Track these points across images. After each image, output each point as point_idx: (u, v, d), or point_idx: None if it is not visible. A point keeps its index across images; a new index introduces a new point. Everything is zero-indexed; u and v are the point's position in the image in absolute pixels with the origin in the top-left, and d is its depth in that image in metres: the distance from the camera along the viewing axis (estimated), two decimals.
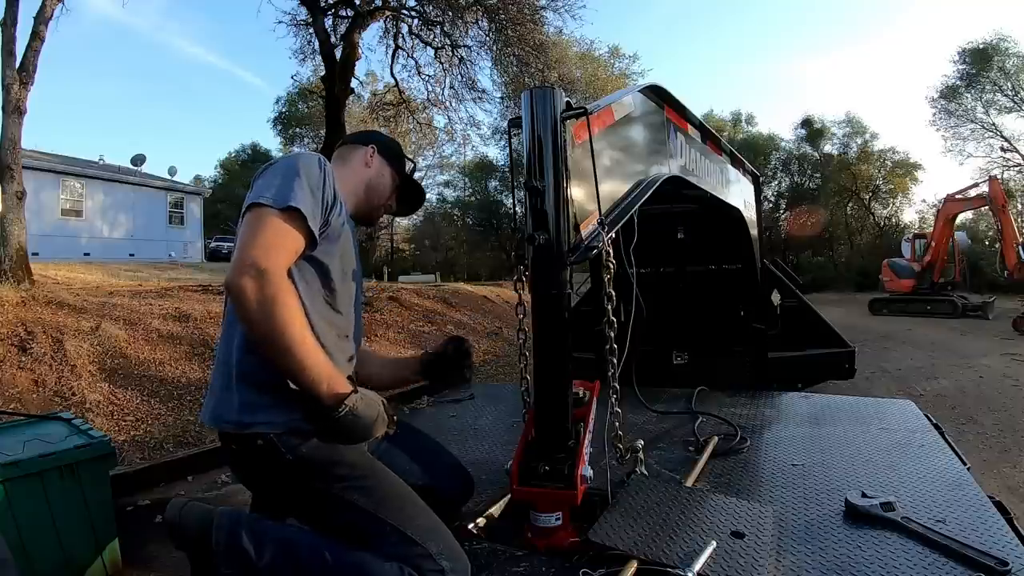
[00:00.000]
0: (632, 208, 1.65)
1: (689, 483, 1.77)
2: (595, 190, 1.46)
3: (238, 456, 1.27)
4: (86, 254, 16.60)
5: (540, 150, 1.39)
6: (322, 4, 10.47)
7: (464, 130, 15.27)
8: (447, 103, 12.87)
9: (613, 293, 1.50)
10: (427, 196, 1.89)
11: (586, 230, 1.46)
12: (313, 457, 1.19)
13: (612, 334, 1.53)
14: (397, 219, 36.05)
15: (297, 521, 1.28)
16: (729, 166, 3.08)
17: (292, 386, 1.14)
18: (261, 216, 1.15)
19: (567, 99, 1.44)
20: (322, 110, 11.90)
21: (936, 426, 2.27)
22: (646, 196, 1.75)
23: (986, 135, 26.11)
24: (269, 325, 1.07)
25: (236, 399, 1.21)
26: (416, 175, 1.81)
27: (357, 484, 1.21)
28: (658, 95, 2.06)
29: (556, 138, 1.39)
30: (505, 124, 2.51)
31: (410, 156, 1.65)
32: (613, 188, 1.66)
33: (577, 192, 1.45)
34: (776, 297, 3.79)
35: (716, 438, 2.19)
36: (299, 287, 1.22)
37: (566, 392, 1.47)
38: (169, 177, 21.73)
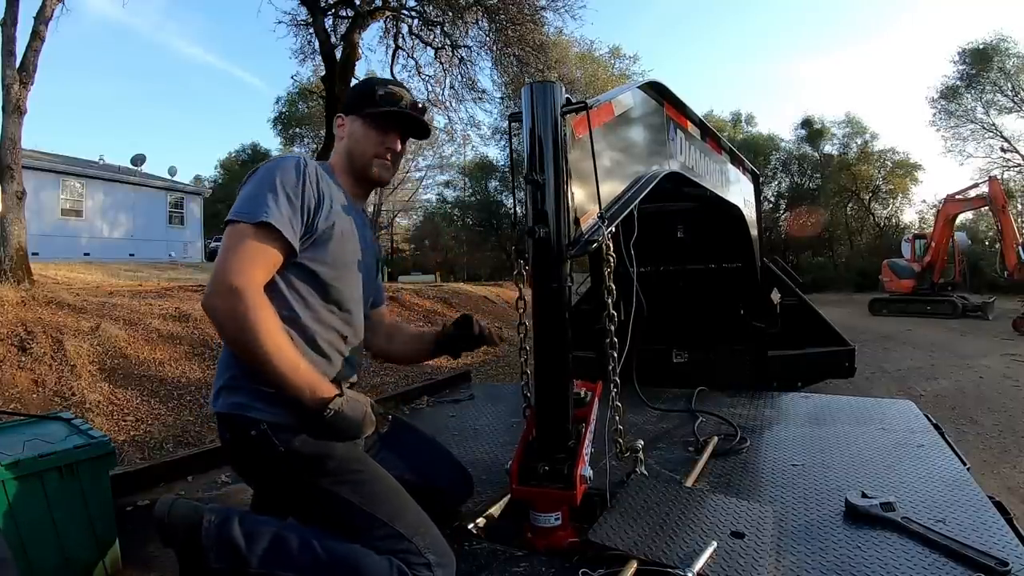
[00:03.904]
0: (632, 203, 1.65)
1: (689, 483, 1.76)
2: (595, 184, 1.46)
3: (232, 446, 1.28)
4: (86, 254, 16.60)
5: (540, 144, 1.39)
6: (322, 4, 10.48)
7: (464, 130, 15.35)
8: (447, 103, 12.92)
9: (613, 287, 1.50)
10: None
11: (586, 224, 1.46)
12: (303, 451, 1.21)
13: (612, 328, 1.53)
14: (397, 219, 36.37)
15: (290, 514, 1.28)
16: (729, 164, 3.09)
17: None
18: (235, 233, 1.18)
19: (567, 95, 1.44)
20: (322, 110, 11.92)
21: (936, 426, 2.26)
22: (646, 191, 1.75)
23: (986, 135, 26.16)
24: (244, 341, 1.12)
25: (236, 386, 1.26)
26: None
27: (346, 478, 1.23)
28: (658, 92, 2.06)
29: (556, 132, 1.39)
30: (505, 124, 2.52)
31: (394, 83, 1.46)
32: (613, 183, 1.66)
33: (577, 186, 1.44)
34: (776, 295, 3.79)
35: (716, 438, 2.19)
36: (287, 295, 1.26)
37: (566, 389, 1.47)
38: (169, 177, 21.69)
